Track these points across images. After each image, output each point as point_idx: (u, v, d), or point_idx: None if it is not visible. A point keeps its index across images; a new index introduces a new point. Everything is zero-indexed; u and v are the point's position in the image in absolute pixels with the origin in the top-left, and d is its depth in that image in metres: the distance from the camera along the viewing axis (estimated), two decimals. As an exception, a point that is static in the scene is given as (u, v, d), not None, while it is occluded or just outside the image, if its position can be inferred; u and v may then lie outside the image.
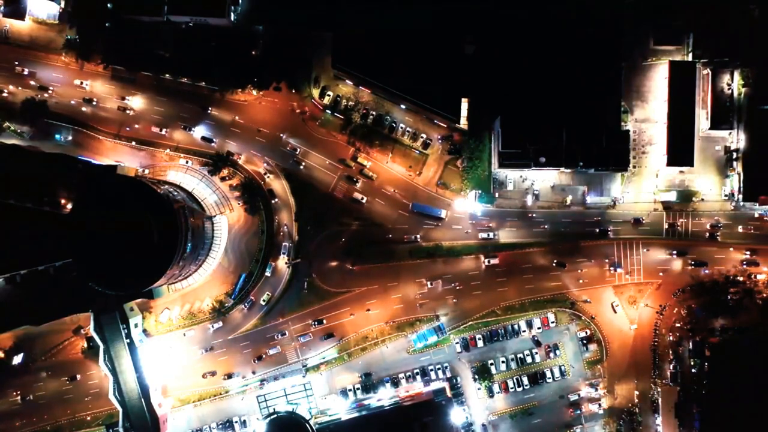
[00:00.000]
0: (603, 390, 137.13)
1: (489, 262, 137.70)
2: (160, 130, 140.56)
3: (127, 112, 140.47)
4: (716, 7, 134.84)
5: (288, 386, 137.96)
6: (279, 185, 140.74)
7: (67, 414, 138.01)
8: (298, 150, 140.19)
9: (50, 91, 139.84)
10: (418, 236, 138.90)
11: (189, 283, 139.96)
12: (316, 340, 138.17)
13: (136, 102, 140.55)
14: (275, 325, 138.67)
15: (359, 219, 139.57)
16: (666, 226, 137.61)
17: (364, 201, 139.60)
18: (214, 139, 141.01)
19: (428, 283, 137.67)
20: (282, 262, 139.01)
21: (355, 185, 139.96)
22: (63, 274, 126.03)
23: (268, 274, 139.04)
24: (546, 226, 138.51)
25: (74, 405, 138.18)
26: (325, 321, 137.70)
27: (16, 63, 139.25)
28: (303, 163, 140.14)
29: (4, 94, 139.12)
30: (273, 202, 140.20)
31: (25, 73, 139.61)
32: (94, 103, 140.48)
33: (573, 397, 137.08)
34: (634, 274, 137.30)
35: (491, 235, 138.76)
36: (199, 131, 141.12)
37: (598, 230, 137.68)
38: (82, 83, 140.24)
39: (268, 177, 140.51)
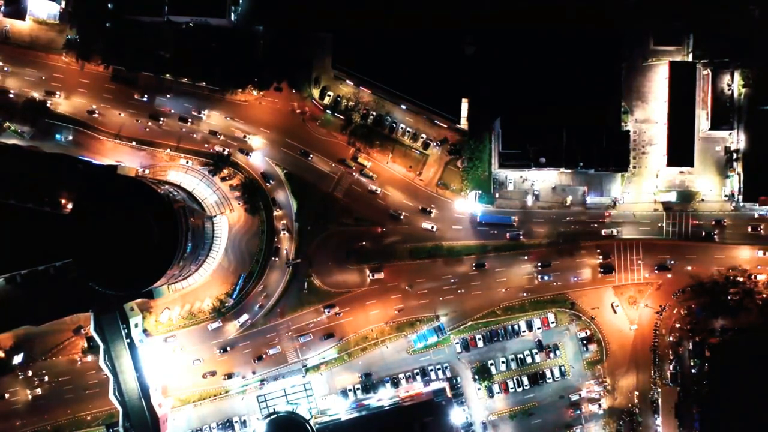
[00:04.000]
0: (603, 390, 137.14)
1: (373, 276, 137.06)
2: (223, 150, 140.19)
3: (218, 135, 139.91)
4: (716, 7, 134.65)
5: (288, 386, 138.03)
6: (289, 244, 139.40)
7: (67, 414, 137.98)
8: (379, 190, 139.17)
9: (161, 121, 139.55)
10: (521, 234, 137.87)
11: (189, 283, 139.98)
12: (316, 340, 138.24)
13: (256, 141, 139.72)
14: (275, 325, 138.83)
15: (360, 219, 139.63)
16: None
17: (435, 230, 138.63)
18: (272, 180, 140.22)
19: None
20: (232, 327, 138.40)
21: (429, 215, 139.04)
22: (63, 274, 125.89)
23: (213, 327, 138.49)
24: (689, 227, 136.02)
25: (74, 405, 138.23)
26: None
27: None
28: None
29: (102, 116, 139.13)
30: (273, 259, 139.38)
31: (144, 99, 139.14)
32: (189, 122, 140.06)
33: (573, 398, 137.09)
34: (634, 275, 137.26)
35: (615, 231, 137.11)
36: (256, 158, 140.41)
37: (704, 233, 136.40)
38: (200, 112, 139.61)
39: (284, 233, 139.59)
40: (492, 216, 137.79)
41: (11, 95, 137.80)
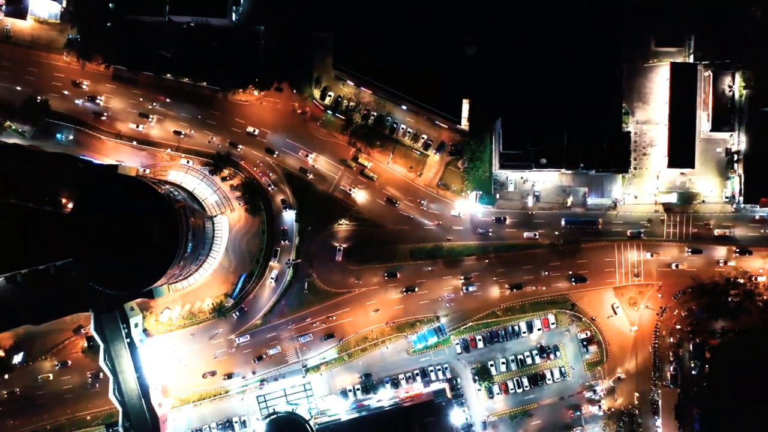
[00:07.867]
0: (603, 390, 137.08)
1: (339, 252, 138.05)
2: (270, 184, 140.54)
3: (307, 174, 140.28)
4: (718, 8, 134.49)
5: (288, 386, 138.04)
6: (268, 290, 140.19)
7: (67, 413, 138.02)
8: (459, 213, 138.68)
9: (277, 154, 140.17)
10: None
11: (189, 282, 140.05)
12: (316, 341, 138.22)
13: (360, 195, 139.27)
14: (275, 325, 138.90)
15: (359, 220, 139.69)
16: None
17: (537, 237, 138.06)
18: (287, 240, 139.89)
19: None
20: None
21: (506, 224, 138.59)
22: (63, 274, 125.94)
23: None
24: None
25: (74, 404, 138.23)
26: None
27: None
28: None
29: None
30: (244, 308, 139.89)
31: (255, 133, 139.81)
32: (276, 155, 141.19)
33: (587, 395, 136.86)
34: (634, 276, 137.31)
35: (728, 232, 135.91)
36: (290, 216, 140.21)
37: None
38: (307, 155, 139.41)
39: (270, 281, 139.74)
40: (577, 218, 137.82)
41: (104, 117, 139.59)
